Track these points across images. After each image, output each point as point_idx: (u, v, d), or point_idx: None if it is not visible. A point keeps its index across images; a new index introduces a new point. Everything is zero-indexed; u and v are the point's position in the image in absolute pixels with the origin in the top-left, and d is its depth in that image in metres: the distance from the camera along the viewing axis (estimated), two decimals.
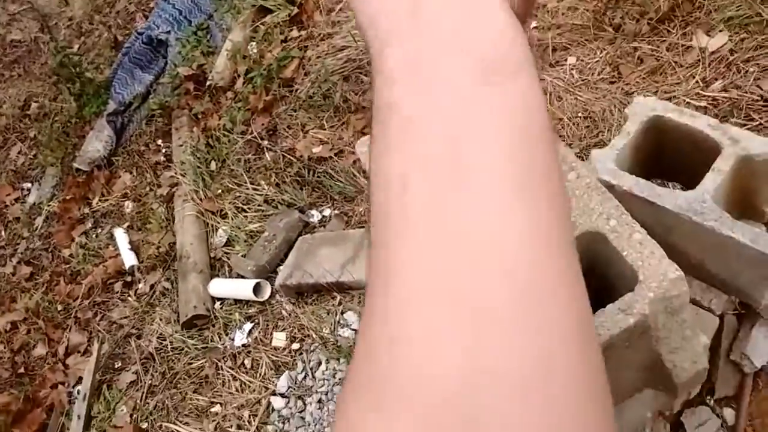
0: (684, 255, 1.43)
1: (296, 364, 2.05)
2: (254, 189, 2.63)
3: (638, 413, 1.01)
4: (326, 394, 1.90)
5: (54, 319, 2.90)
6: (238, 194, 2.69)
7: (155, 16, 3.73)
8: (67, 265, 3.13)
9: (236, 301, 2.38)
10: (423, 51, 0.33)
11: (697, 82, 1.97)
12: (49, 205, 3.52)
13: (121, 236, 3.00)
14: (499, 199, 0.29)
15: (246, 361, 2.18)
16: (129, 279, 2.86)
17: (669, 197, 1.34)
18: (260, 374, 2.11)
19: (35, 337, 2.87)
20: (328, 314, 2.10)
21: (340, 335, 2.02)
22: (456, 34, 0.33)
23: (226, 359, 2.23)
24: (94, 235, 3.19)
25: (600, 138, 2.03)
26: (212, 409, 2.14)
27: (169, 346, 2.43)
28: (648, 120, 1.46)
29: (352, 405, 0.29)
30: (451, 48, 0.32)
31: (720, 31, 2.03)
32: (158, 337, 2.49)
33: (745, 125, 1.84)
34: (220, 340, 2.30)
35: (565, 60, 2.28)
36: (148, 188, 3.13)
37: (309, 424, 1.86)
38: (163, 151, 3.23)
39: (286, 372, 2.04)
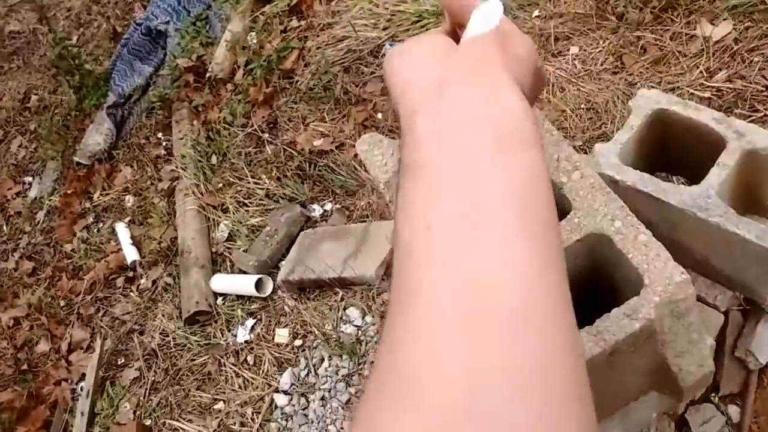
0: (689, 251, 1.41)
1: (299, 360, 2.05)
2: (255, 183, 2.61)
3: (643, 415, 1.00)
4: (329, 391, 1.89)
5: (56, 315, 2.90)
6: (239, 188, 2.67)
7: (153, 6, 3.69)
8: (69, 260, 3.12)
9: (238, 296, 2.37)
10: (448, 122, 0.40)
11: (701, 72, 1.95)
12: (50, 200, 3.52)
13: (122, 231, 2.99)
14: (505, 244, 0.35)
15: (248, 358, 2.17)
16: (131, 274, 2.85)
17: (673, 193, 1.32)
18: (263, 371, 2.10)
19: (38, 333, 2.87)
20: (330, 310, 2.09)
21: (342, 331, 2.01)
22: (477, 111, 0.40)
23: (228, 356, 2.22)
24: (95, 230, 3.18)
25: (603, 130, 2.01)
26: (215, 406, 2.14)
27: (172, 342, 2.42)
28: (652, 113, 1.44)
29: (372, 404, 0.34)
30: (472, 121, 0.40)
31: (724, 19, 2.00)
32: (161, 333, 2.49)
33: (749, 117, 1.81)
34: (222, 336, 2.29)
35: (568, 50, 2.25)
36: (149, 182, 3.12)
37: (312, 422, 1.86)
38: (164, 144, 3.21)
39: (289, 369, 2.04)
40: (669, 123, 1.44)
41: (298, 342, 2.11)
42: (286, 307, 2.22)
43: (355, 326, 2.01)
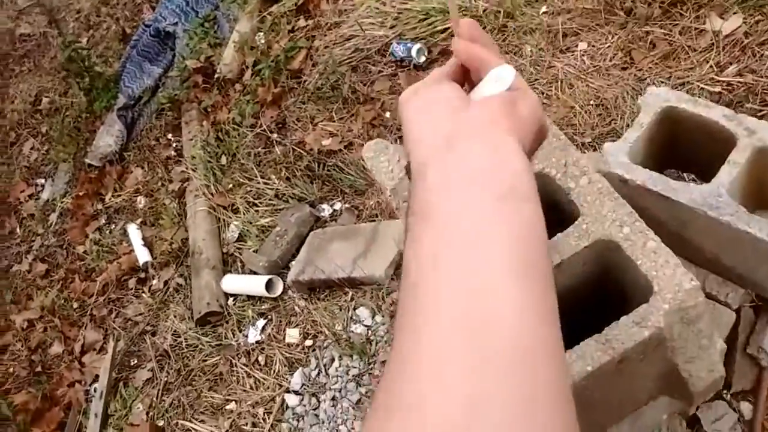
0: (699, 249, 1.40)
1: (309, 360, 2.05)
2: (265, 183, 2.62)
3: (653, 418, 0.99)
4: (339, 391, 1.90)
5: (70, 317, 2.92)
6: (249, 189, 2.68)
7: (162, 7, 3.70)
8: (82, 262, 3.15)
9: (249, 297, 2.38)
10: (457, 175, 0.45)
11: (711, 67, 1.93)
12: (62, 202, 3.54)
13: (134, 232, 3.00)
14: (506, 286, 0.39)
15: (260, 358, 2.18)
16: (143, 275, 2.87)
17: (684, 191, 1.31)
18: (274, 371, 2.11)
19: (51, 335, 2.90)
20: (340, 310, 2.09)
21: (352, 331, 2.02)
22: (482, 168, 0.45)
23: (240, 356, 2.23)
24: (107, 231, 3.20)
25: (612, 126, 1.99)
26: (227, 407, 2.15)
27: (184, 343, 2.44)
28: (661, 111, 1.43)
29: (374, 422, 0.38)
30: (478, 177, 0.44)
31: (734, 13, 1.98)
32: (173, 334, 2.50)
33: (760, 111, 1.79)
34: (233, 336, 2.30)
35: (576, 46, 2.23)
36: (159, 183, 3.14)
37: (323, 422, 1.86)
38: (174, 145, 3.22)
39: (300, 369, 2.04)
40: (679, 120, 1.43)
41: (308, 342, 2.11)
42: (296, 308, 2.23)
43: (365, 326, 2.01)
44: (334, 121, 2.58)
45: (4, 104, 4.51)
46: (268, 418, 2.01)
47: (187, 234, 2.77)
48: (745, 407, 1.47)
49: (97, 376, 2.62)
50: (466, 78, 0.58)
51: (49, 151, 3.95)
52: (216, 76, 3.11)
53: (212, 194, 2.76)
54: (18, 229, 3.68)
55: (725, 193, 1.27)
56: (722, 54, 1.93)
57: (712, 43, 1.96)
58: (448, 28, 2.52)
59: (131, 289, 2.86)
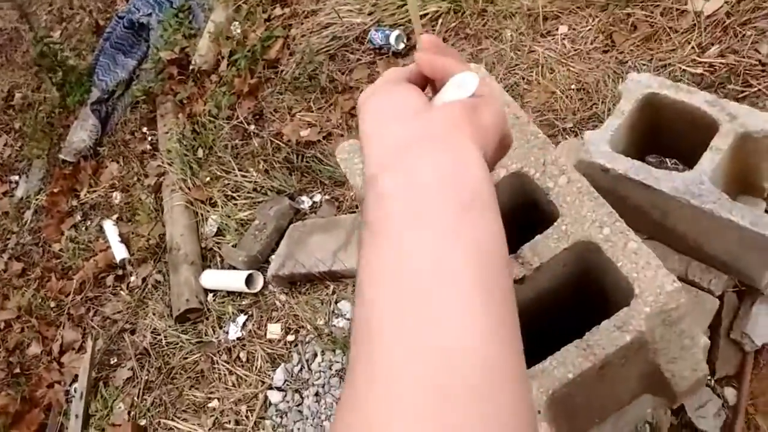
0: (682, 237, 1.37)
1: (292, 356, 2.02)
2: (243, 176, 2.56)
3: (636, 414, 0.97)
4: (323, 387, 1.87)
5: (47, 316, 2.86)
6: (226, 182, 2.62)
7: None
8: (58, 260, 3.08)
9: (229, 292, 2.33)
10: (412, 184, 0.42)
11: (693, 48, 1.90)
12: (37, 199, 3.47)
13: (110, 229, 2.94)
14: (467, 308, 0.37)
15: (241, 355, 2.15)
16: (120, 272, 2.81)
17: (666, 180, 1.28)
18: (256, 367, 2.07)
19: (29, 336, 2.84)
20: (322, 304, 2.05)
21: (334, 326, 1.98)
22: (440, 176, 0.42)
23: (221, 353, 2.19)
24: (83, 228, 3.13)
25: (594, 111, 1.96)
26: (210, 405, 2.11)
27: (164, 341, 2.39)
28: (643, 98, 1.40)
29: None
30: (435, 186, 0.41)
31: None
32: (152, 332, 2.45)
33: (743, 92, 1.77)
34: (214, 333, 2.26)
35: (557, 29, 2.20)
36: (135, 178, 3.07)
37: (307, 418, 1.83)
38: (149, 139, 3.16)
39: (282, 365, 2.01)
40: (660, 107, 1.40)
41: (290, 337, 2.08)
42: (277, 302, 2.19)
43: (348, 320, 1.98)
44: (312, 111, 2.53)
45: None
46: (251, 415, 1.98)
47: (165, 229, 2.72)
48: (729, 393, 1.46)
49: (76, 376, 2.57)
50: (429, 85, 0.55)
51: (23, 147, 3.86)
52: (191, 67, 3.04)
53: (189, 188, 2.70)
54: None
55: (707, 180, 1.25)
56: (704, 35, 1.90)
57: (694, 24, 1.93)
58: (428, 13, 2.47)
59: (109, 286, 2.81)
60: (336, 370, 1.91)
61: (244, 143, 2.67)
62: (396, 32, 2.46)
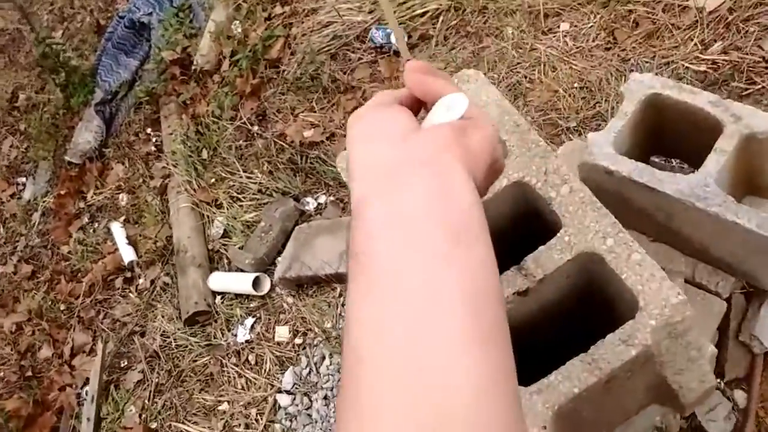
0: (688, 239, 1.38)
1: (300, 359, 2.03)
2: (248, 177, 2.57)
3: (644, 425, 0.98)
4: (331, 390, 1.88)
5: (57, 319, 2.88)
6: (231, 183, 2.63)
7: None
8: (67, 263, 3.10)
9: (237, 295, 2.35)
10: (399, 215, 0.40)
11: (695, 44, 1.89)
12: (44, 201, 3.48)
13: (118, 231, 2.96)
14: (458, 349, 0.35)
15: (250, 357, 2.16)
16: (129, 275, 2.83)
17: (670, 182, 1.28)
18: (265, 370, 2.09)
19: (40, 339, 2.86)
20: (329, 307, 2.06)
21: (342, 328, 1.99)
22: (428, 206, 0.40)
23: (230, 356, 2.21)
24: (91, 230, 3.15)
25: (597, 109, 1.96)
26: (220, 408, 2.13)
27: (173, 344, 2.41)
28: (645, 99, 1.39)
29: None
30: (423, 217, 0.40)
31: None
32: (162, 335, 2.47)
33: (746, 90, 1.76)
34: (222, 336, 2.27)
35: (558, 26, 2.19)
36: (141, 180, 3.08)
37: (316, 422, 1.85)
38: (153, 140, 3.16)
39: (291, 368, 2.02)
40: (663, 108, 1.40)
41: (298, 340, 2.09)
42: (284, 305, 2.20)
43: None
44: (314, 112, 2.53)
45: None
46: (261, 418, 2.00)
47: (171, 231, 2.73)
48: (739, 395, 1.46)
49: (87, 379, 2.59)
50: (421, 107, 0.53)
51: (29, 149, 3.87)
52: (193, 67, 3.04)
53: (194, 190, 2.71)
54: (1, 230, 3.62)
55: (713, 182, 1.24)
56: (706, 31, 1.89)
57: (696, 21, 1.92)
58: (428, 11, 2.47)
59: (118, 289, 2.83)
60: None
61: (248, 144, 2.68)
62: None
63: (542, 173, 0.86)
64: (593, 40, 2.08)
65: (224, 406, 2.13)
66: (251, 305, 2.28)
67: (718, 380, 1.45)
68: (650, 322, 0.70)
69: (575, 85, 2.03)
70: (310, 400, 1.92)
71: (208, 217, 2.64)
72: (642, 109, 1.41)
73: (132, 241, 2.90)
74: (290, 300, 2.18)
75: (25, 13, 3.89)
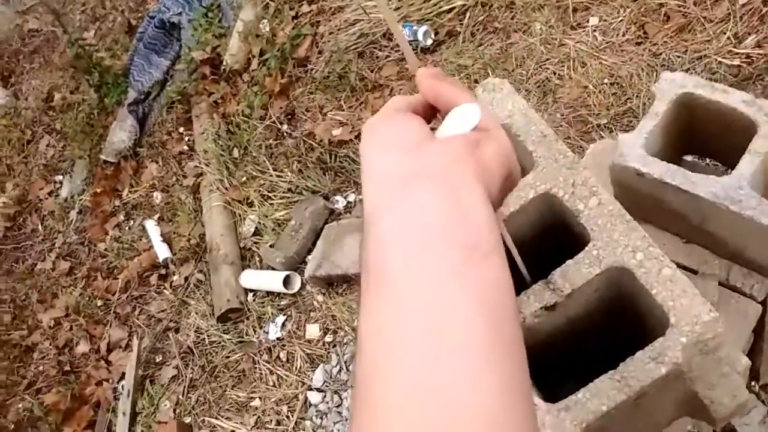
0: (723, 242, 1.35)
1: (330, 357, 2.06)
2: (278, 176, 2.60)
3: (677, 430, 0.97)
4: None
5: (94, 315, 2.96)
6: (262, 182, 2.66)
7: None
8: (104, 259, 3.18)
9: (268, 293, 2.38)
10: (412, 228, 0.40)
11: (728, 38, 1.85)
12: (80, 199, 3.57)
13: (152, 228, 3.02)
14: (472, 366, 0.35)
15: (281, 355, 2.19)
16: (164, 271, 2.88)
17: (703, 185, 1.26)
18: (296, 368, 2.12)
19: (78, 334, 2.94)
20: (358, 305, 2.08)
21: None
22: (441, 220, 0.40)
23: (261, 353, 2.25)
24: (126, 228, 3.22)
25: (629, 105, 1.93)
26: (252, 404, 2.17)
27: (207, 340, 2.46)
28: (677, 98, 1.37)
29: None
30: (436, 231, 0.39)
31: None
32: (195, 331, 2.52)
33: None
34: (254, 333, 2.31)
35: (587, 21, 2.16)
36: (174, 178, 3.13)
37: (346, 420, 1.87)
38: (186, 139, 3.21)
39: (321, 365, 2.05)
40: (696, 107, 1.37)
41: (328, 338, 2.11)
42: (315, 303, 2.22)
43: None
44: (343, 110, 2.54)
45: (19, 101, 4.53)
46: (292, 415, 2.03)
47: (204, 229, 2.77)
48: None
49: (123, 373, 2.66)
50: (435, 114, 0.52)
51: (65, 147, 3.96)
52: (223, 67, 3.08)
53: (226, 188, 2.75)
54: (40, 227, 3.72)
55: (747, 185, 1.22)
56: (740, 24, 1.85)
57: (729, 13, 1.88)
58: (455, 8, 2.45)
59: (153, 285, 2.89)
60: None
61: (277, 143, 2.71)
62: (423, 28, 2.45)
63: (570, 185, 0.86)
64: (623, 35, 2.05)
65: (256, 402, 2.17)
66: (282, 303, 2.31)
67: (753, 383, 1.43)
68: (681, 339, 0.69)
69: (605, 80, 2.00)
70: (341, 398, 1.94)
71: (239, 215, 2.68)
72: (674, 109, 1.38)
73: (166, 239, 2.95)
74: (320, 298, 2.21)
75: (57, 15, 3.98)
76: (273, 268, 2.38)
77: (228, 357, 2.35)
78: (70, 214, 3.60)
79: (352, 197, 2.38)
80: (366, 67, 2.57)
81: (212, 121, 3.01)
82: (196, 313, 2.58)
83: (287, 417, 2.04)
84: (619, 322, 0.86)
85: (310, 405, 2.00)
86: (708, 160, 1.60)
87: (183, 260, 2.82)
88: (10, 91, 4.61)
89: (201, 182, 2.93)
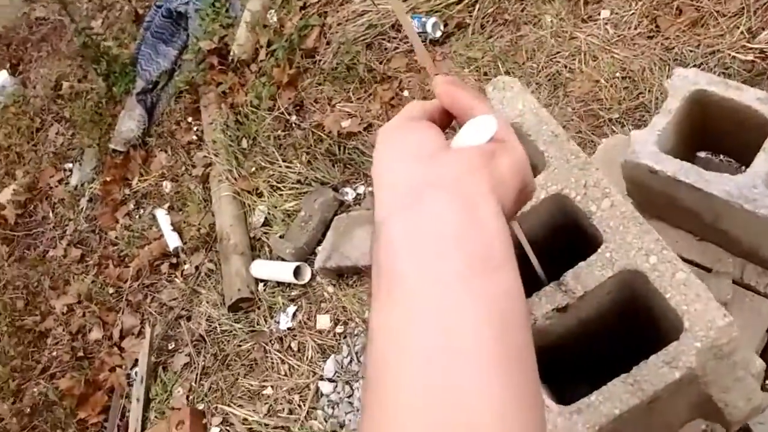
0: (737, 241, 1.36)
1: (341, 347, 2.08)
2: (287, 167, 2.61)
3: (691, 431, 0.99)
4: None
5: (106, 302, 2.99)
6: (271, 172, 2.68)
7: None
8: (115, 247, 3.20)
9: (278, 283, 2.40)
10: (424, 236, 0.40)
11: (742, 33, 1.85)
12: (90, 187, 3.59)
13: (162, 217, 3.04)
14: (482, 378, 0.36)
15: (292, 344, 2.22)
16: (174, 260, 2.91)
17: (717, 183, 1.26)
18: (307, 358, 2.15)
19: (91, 321, 2.97)
20: (369, 297, 2.10)
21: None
22: (453, 230, 0.40)
23: (273, 342, 2.27)
24: (137, 217, 3.24)
25: (641, 100, 1.93)
26: (264, 392, 2.20)
27: (218, 329, 2.49)
28: (690, 95, 1.37)
29: None
30: (448, 240, 0.40)
31: None
32: (207, 320, 2.55)
33: None
34: (265, 323, 2.34)
35: (598, 14, 2.15)
36: (183, 168, 3.15)
37: (357, 410, 1.90)
38: (195, 129, 3.22)
39: (332, 356, 2.08)
40: (709, 104, 1.38)
41: (339, 329, 2.14)
42: (325, 294, 2.25)
43: None
44: (351, 102, 2.54)
45: (27, 89, 4.54)
46: (304, 405, 2.06)
47: (214, 219, 2.80)
48: None
49: (137, 360, 2.69)
50: (451, 121, 0.52)
51: (74, 135, 3.98)
52: (231, 57, 3.08)
53: (235, 179, 2.76)
54: (51, 215, 3.74)
55: (761, 183, 1.23)
56: (754, 19, 1.85)
57: (743, 7, 1.88)
58: None
59: (164, 274, 2.91)
60: None
61: (286, 134, 2.72)
62: (432, 19, 2.44)
63: (582, 186, 0.87)
64: (635, 28, 2.05)
65: (268, 391, 2.20)
66: (293, 293, 2.34)
67: (767, 381, 1.44)
68: (695, 344, 0.71)
69: (617, 74, 2.00)
70: (352, 389, 1.97)
71: (249, 205, 2.69)
72: (686, 106, 1.39)
73: (176, 228, 2.98)
74: (331, 289, 2.23)
75: (64, 4, 3.97)
76: (283, 259, 2.41)
77: (239, 346, 2.38)
78: (81, 202, 3.63)
79: (361, 189, 2.39)
80: (374, 58, 2.57)
81: (220, 112, 3.02)
82: (208, 302, 2.60)
83: (299, 406, 2.07)
84: (632, 324, 0.87)
85: (322, 395, 2.03)
86: (721, 156, 1.60)
87: (193, 249, 2.84)
88: (18, 79, 4.61)
89: (210, 172, 2.95)
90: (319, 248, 2.31)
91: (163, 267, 2.93)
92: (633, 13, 2.07)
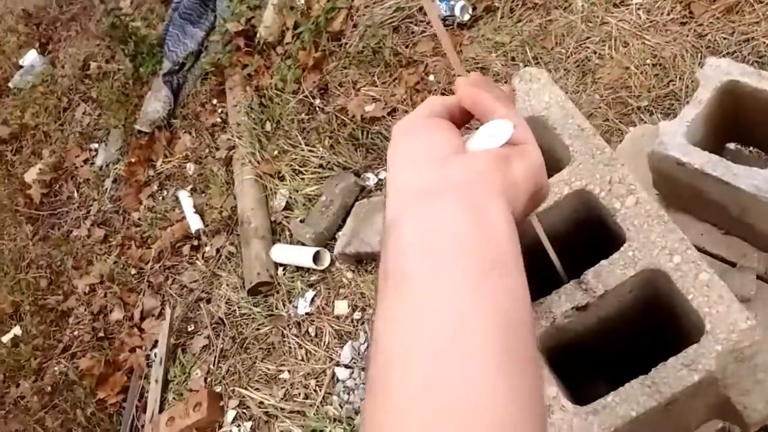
0: (763, 235, 1.32)
1: (358, 334, 2.07)
2: (309, 151, 2.60)
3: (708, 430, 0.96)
4: None
5: (128, 283, 3.02)
6: (293, 156, 2.67)
7: None
8: (137, 228, 3.23)
9: (298, 267, 2.40)
10: (434, 238, 0.40)
11: None
12: (115, 168, 3.62)
13: (185, 199, 3.05)
14: (487, 379, 0.36)
15: (310, 330, 2.22)
16: (196, 242, 2.92)
17: (745, 176, 1.22)
18: (324, 343, 2.14)
19: (112, 301, 3.01)
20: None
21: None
22: (463, 233, 0.40)
23: (291, 327, 2.27)
24: (160, 198, 3.26)
25: (671, 88, 1.88)
26: (280, 376, 2.21)
27: (237, 312, 2.50)
28: (722, 86, 1.32)
29: None
30: (457, 243, 0.40)
31: None
32: (226, 303, 2.56)
33: None
34: (284, 307, 2.34)
35: None
36: (207, 150, 3.16)
37: None
38: (219, 111, 3.22)
39: (349, 342, 2.07)
40: (741, 95, 1.33)
41: (357, 315, 2.13)
42: (344, 279, 2.24)
43: None
44: (376, 86, 2.52)
45: (56, 69, 4.59)
46: (320, 390, 2.06)
47: (236, 202, 2.80)
48: None
49: (156, 341, 2.72)
50: (470, 118, 0.52)
51: (101, 116, 4.01)
52: (257, 39, 3.06)
53: (258, 162, 2.76)
54: (75, 194, 3.79)
55: None
56: None
57: None
58: None
59: (185, 256, 2.93)
60: None
61: (309, 118, 2.70)
62: (461, 2, 2.40)
63: (606, 182, 0.83)
64: (668, 14, 1.98)
65: (285, 375, 2.20)
66: (312, 278, 2.33)
67: None
68: (716, 347, 0.68)
69: (648, 61, 1.94)
70: None
71: (270, 189, 2.69)
72: (718, 97, 1.34)
73: (198, 210, 2.99)
74: (349, 275, 2.22)
75: None
76: (303, 243, 2.40)
77: (258, 329, 2.39)
78: (105, 182, 3.66)
79: (383, 174, 2.37)
80: (401, 42, 2.54)
81: (245, 94, 3.01)
82: (227, 285, 2.61)
83: (315, 391, 2.07)
84: (653, 323, 0.84)
85: (338, 380, 2.03)
86: (751, 148, 1.55)
87: (215, 232, 2.85)
88: (47, 59, 4.66)
89: (233, 155, 2.95)
90: (339, 233, 2.30)
91: (185, 249, 2.95)
92: None
